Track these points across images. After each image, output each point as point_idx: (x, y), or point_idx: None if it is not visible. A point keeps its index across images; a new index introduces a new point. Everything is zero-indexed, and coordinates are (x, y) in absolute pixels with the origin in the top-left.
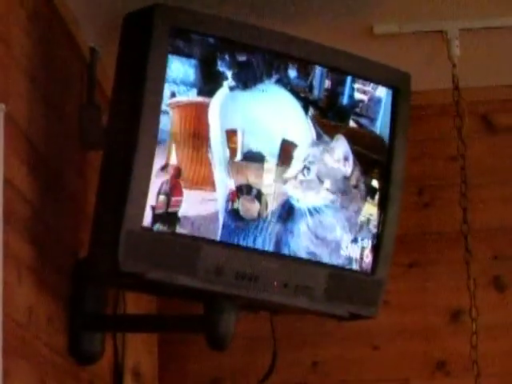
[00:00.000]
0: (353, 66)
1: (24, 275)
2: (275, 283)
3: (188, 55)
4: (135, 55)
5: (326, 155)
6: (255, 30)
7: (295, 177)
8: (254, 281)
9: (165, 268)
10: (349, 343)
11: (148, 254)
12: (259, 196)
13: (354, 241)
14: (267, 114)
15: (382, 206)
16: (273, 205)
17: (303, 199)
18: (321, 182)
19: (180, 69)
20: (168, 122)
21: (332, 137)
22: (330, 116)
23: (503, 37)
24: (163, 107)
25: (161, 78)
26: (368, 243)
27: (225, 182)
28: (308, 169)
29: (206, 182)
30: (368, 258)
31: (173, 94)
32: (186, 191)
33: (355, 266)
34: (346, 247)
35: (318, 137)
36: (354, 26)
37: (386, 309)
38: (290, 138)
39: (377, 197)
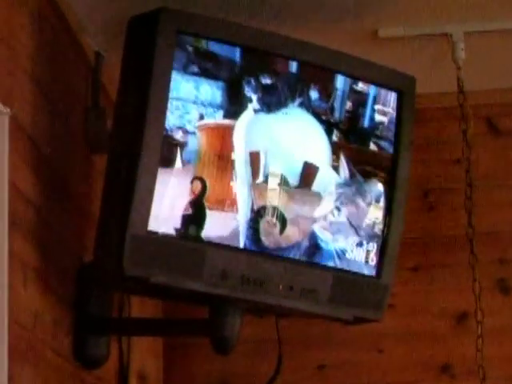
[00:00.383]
0: (357, 68)
1: (29, 279)
2: (280, 287)
3: (216, 77)
4: (140, 59)
5: (358, 197)
6: (260, 33)
7: (325, 217)
8: (260, 284)
9: (170, 272)
10: (354, 346)
11: (153, 257)
12: (281, 220)
13: (360, 244)
14: (290, 137)
15: (388, 210)
16: (296, 235)
17: (332, 242)
18: (351, 226)
19: (208, 91)
20: (195, 143)
21: (366, 176)
22: (351, 139)
23: (508, 40)
24: (191, 128)
25: (166, 82)
26: (373, 247)
27: (247, 204)
28: (339, 210)
29: (228, 203)
30: (373, 262)
31: (201, 117)
32: (209, 212)
33: (360, 270)
34: (352, 251)
35: (352, 176)
36: (359, 29)
37: (391, 312)
38: (311, 160)
39: (382, 200)
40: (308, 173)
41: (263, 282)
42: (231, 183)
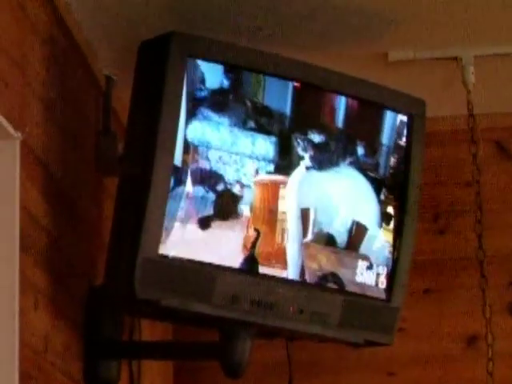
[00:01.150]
0: (367, 92)
1: (40, 302)
2: (291, 310)
3: (269, 132)
4: (151, 83)
5: None
6: (272, 57)
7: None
8: (270, 308)
9: (181, 295)
10: (365, 370)
11: (164, 281)
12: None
13: (370, 267)
14: (340, 195)
15: (398, 233)
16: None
17: None
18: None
19: (262, 146)
20: (251, 196)
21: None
22: (396, 195)
23: None
24: (247, 182)
25: (176, 106)
26: (383, 270)
27: (297, 262)
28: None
29: (278, 259)
30: (383, 285)
31: (256, 172)
32: (260, 267)
33: (371, 293)
34: (362, 274)
35: None
36: (368, 52)
37: (401, 335)
38: (360, 220)
39: (392, 223)
40: (356, 233)
41: (273, 306)
42: (283, 240)
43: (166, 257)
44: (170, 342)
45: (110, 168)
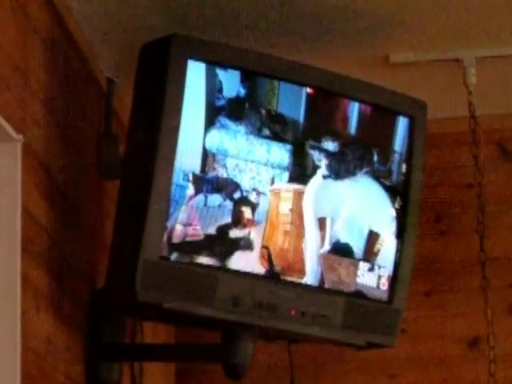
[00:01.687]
0: (369, 94)
1: (42, 305)
2: (292, 312)
3: (284, 140)
4: (152, 85)
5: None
6: (276, 60)
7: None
8: (272, 310)
9: (182, 298)
10: (366, 371)
11: (165, 283)
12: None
13: (371, 269)
14: (357, 205)
15: (400, 235)
16: None
17: None
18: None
19: (277, 153)
20: (266, 204)
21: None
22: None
23: None
24: (263, 190)
25: (178, 108)
26: (385, 272)
27: (316, 271)
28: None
29: (296, 269)
30: (385, 287)
31: (272, 179)
32: (282, 277)
33: (372, 295)
34: (363, 275)
35: None
36: (370, 54)
37: (403, 337)
38: (375, 229)
39: (394, 225)
40: (372, 242)
41: (275, 308)
42: (300, 250)
43: (167, 259)
44: (172, 344)
45: (112, 170)
